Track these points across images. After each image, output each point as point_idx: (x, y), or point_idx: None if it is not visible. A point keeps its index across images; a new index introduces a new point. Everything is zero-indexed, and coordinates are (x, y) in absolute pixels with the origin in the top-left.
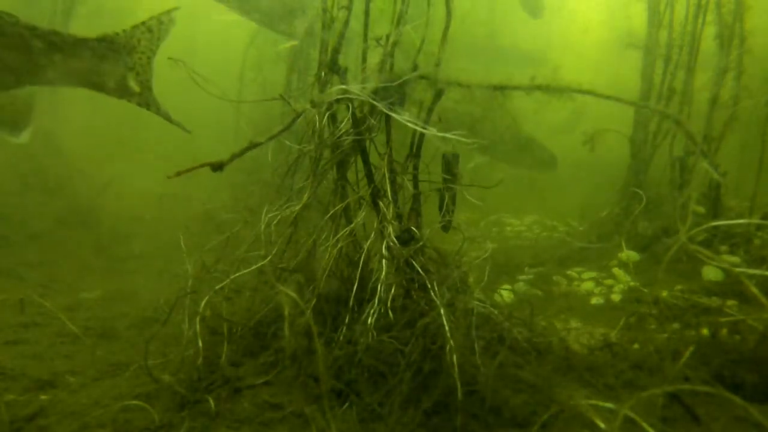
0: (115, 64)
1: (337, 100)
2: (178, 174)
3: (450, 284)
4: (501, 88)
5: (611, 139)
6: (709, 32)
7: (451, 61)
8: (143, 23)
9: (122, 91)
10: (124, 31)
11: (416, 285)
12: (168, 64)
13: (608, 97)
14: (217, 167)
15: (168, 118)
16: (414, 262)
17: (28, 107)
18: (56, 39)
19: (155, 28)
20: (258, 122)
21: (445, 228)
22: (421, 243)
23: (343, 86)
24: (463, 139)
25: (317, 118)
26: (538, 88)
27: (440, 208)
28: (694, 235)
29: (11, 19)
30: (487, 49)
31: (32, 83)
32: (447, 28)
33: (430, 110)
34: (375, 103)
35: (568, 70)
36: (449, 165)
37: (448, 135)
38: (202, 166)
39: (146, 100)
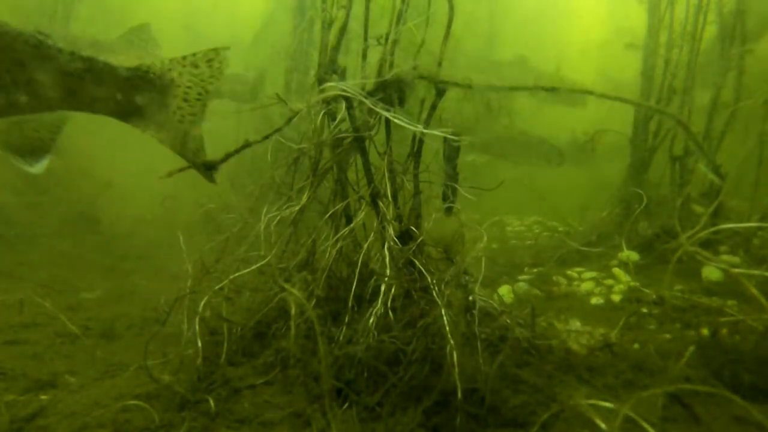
0: (147, 96)
1: (335, 100)
2: (170, 174)
3: (450, 281)
4: (504, 89)
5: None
6: (710, 32)
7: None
8: (184, 57)
9: (150, 126)
10: (161, 62)
11: (417, 285)
12: None
13: (609, 97)
14: (211, 166)
15: (199, 167)
16: (415, 261)
17: (54, 134)
18: (91, 65)
19: (201, 64)
20: (258, 122)
21: (448, 212)
22: (420, 239)
23: (335, 83)
24: (462, 137)
25: (314, 117)
26: (541, 88)
27: (443, 194)
28: (694, 236)
29: (48, 41)
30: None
31: (60, 108)
32: (449, 26)
33: (431, 110)
34: (368, 102)
35: (569, 71)
36: (450, 152)
37: (446, 135)
38: (195, 165)
39: (175, 138)
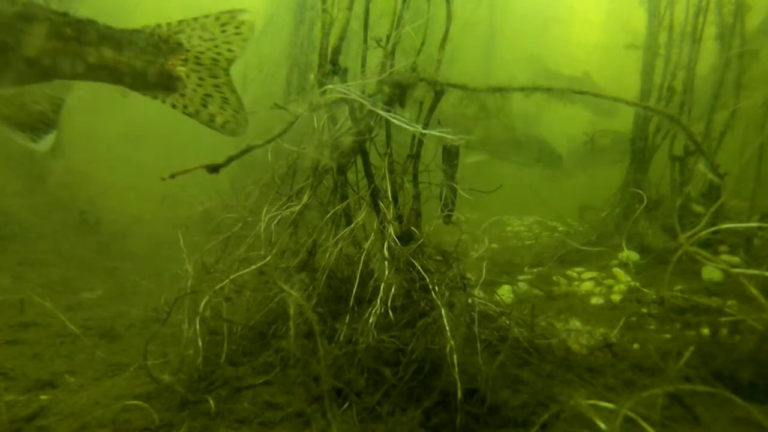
0: (153, 61)
1: (336, 102)
2: (173, 176)
3: (450, 282)
4: (501, 90)
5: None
6: (710, 32)
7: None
8: (195, 19)
9: (159, 91)
10: (168, 24)
11: (417, 285)
12: None
13: (608, 98)
14: (213, 169)
15: (217, 129)
16: (414, 262)
17: (56, 108)
18: (89, 29)
19: (211, 27)
20: (259, 122)
21: (447, 220)
22: (420, 241)
23: (337, 86)
24: (460, 136)
25: (315, 120)
26: (538, 89)
27: (441, 201)
28: (694, 235)
29: (39, 1)
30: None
31: (59, 77)
32: (447, 29)
33: (430, 111)
34: (369, 104)
35: (568, 71)
36: (450, 157)
37: (445, 134)
38: (197, 168)
39: (190, 106)
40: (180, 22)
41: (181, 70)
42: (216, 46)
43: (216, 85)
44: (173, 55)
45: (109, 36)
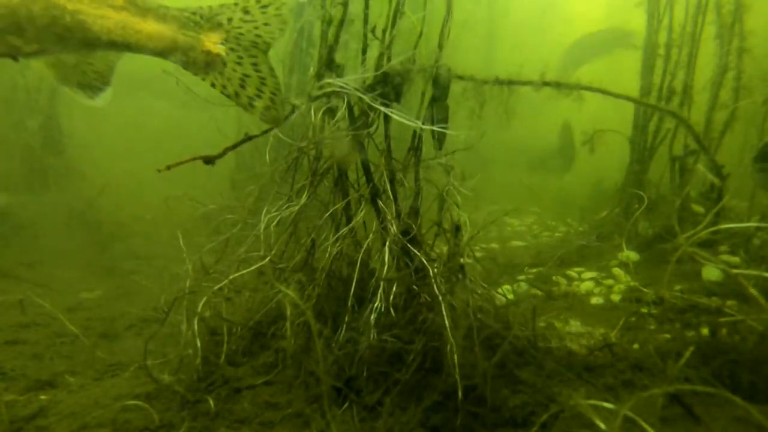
0: (194, 37)
1: (333, 96)
2: (168, 168)
3: (450, 277)
4: (508, 83)
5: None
6: (709, 32)
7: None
8: (236, 3)
9: (198, 68)
10: (210, 7)
11: (417, 284)
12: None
13: (612, 94)
14: (209, 161)
15: (258, 115)
16: (415, 253)
17: (110, 65)
18: (138, 2)
19: (253, 10)
20: (258, 120)
21: (439, 144)
22: (414, 232)
23: (332, 80)
24: (457, 132)
25: (312, 114)
26: (546, 84)
27: (431, 123)
28: (694, 235)
29: None
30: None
31: (112, 45)
32: (447, 20)
33: (430, 105)
34: (363, 96)
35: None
36: (440, 80)
37: (445, 130)
38: (193, 159)
39: (229, 87)
40: (221, 5)
41: (220, 47)
42: (256, 28)
43: (254, 64)
44: (214, 33)
45: (154, 10)
